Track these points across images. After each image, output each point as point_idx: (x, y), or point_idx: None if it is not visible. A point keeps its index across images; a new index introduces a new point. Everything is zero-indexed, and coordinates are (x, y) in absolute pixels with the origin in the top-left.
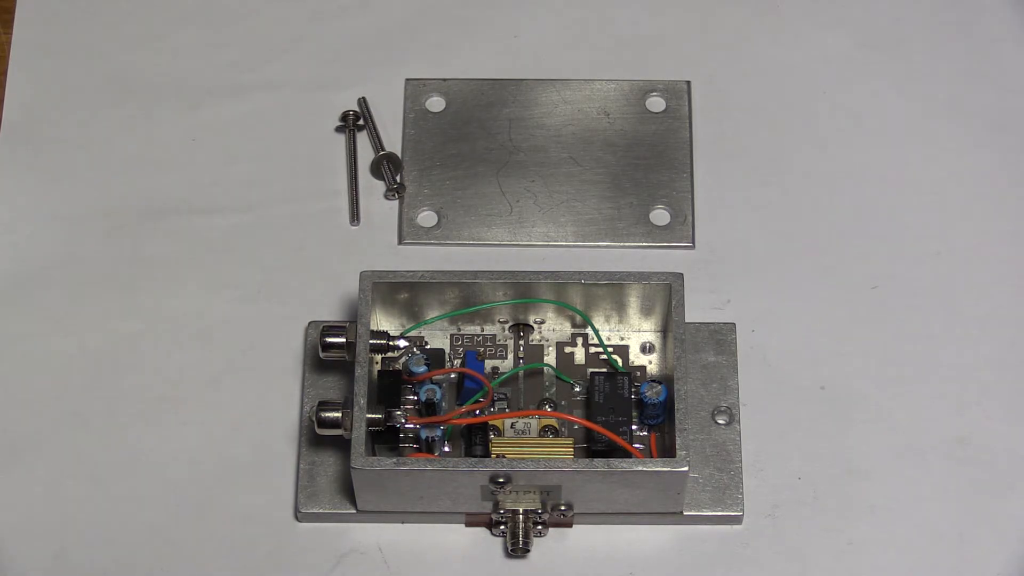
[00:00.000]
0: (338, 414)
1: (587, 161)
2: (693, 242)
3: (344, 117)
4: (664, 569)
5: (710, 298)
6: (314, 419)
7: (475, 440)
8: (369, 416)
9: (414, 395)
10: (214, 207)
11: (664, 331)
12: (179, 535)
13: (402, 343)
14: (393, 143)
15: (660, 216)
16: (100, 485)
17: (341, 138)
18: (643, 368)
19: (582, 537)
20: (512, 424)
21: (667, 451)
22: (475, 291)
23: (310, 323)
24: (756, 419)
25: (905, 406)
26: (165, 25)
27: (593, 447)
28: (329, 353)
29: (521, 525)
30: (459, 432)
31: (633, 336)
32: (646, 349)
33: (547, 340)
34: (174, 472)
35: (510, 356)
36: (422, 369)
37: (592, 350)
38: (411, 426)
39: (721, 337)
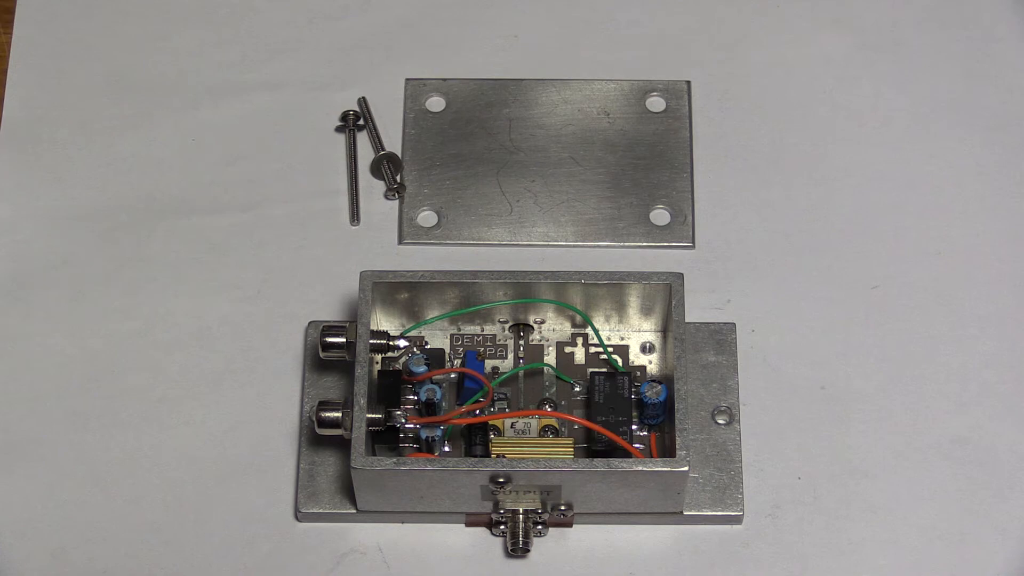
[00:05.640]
0: (338, 414)
1: (587, 161)
2: (693, 242)
3: (344, 117)
4: (664, 569)
5: (710, 298)
6: (314, 419)
7: (475, 440)
8: (369, 416)
9: (414, 395)
10: (214, 207)
11: (664, 331)
12: (179, 535)
13: (402, 343)
14: (393, 143)
15: (660, 216)
16: (100, 485)
17: (341, 138)
18: (643, 368)
19: (582, 537)
20: (512, 424)
21: (667, 451)
22: (475, 291)
23: (310, 323)
24: (756, 419)
25: (905, 406)
26: (165, 25)
27: (593, 447)
28: (329, 353)
29: (521, 525)
30: (459, 432)
31: (633, 336)
32: (646, 349)
33: (547, 340)
34: (174, 472)
35: (510, 356)
36: (422, 369)
37: (592, 350)
38: (411, 426)
39: (721, 337)
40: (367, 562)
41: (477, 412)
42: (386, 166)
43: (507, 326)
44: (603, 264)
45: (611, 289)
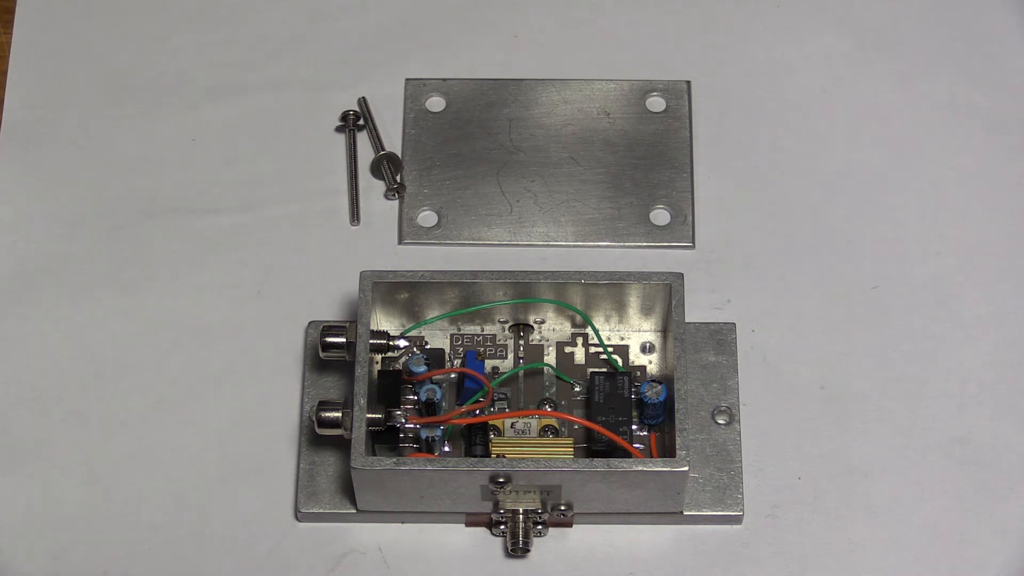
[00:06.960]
0: (338, 414)
1: (587, 161)
2: (693, 242)
3: (344, 117)
4: (664, 569)
5: (710, 298)
6: (314, 419)
7: (475, 440)
8: (369, 416)
9: (414, 395)
10: (214, 207)
11: (664, 331)
12: (179, 535)
13: (402, 343)
14: (393, 143)
15: (660, 216)
16: (100, 485)
17: (341, 138)
18: (643, 368)
19: (582, 537)
20: (512, 424)
21: (667, 451)
22: (475, 291)
23: (310, 323)
24: (756, 419)
25: (905, 406)
26: (165, 25)
27: (593, 447)
28: (329, 353)
29: (521, 525)
30: (459, 432)
31: (633, 336)
32: (646, 349)
33: (547, 340)
34: (174, 472)
35: (510, 356)
36: (422, 369)
37: (592, 350)
38: (411, 426)
39: (721, 337)
40: (367, 562)
41: (477, 412)
42: (386, 166)
43: (507, 326)
44: (603, 264)
45: (611, 289)
